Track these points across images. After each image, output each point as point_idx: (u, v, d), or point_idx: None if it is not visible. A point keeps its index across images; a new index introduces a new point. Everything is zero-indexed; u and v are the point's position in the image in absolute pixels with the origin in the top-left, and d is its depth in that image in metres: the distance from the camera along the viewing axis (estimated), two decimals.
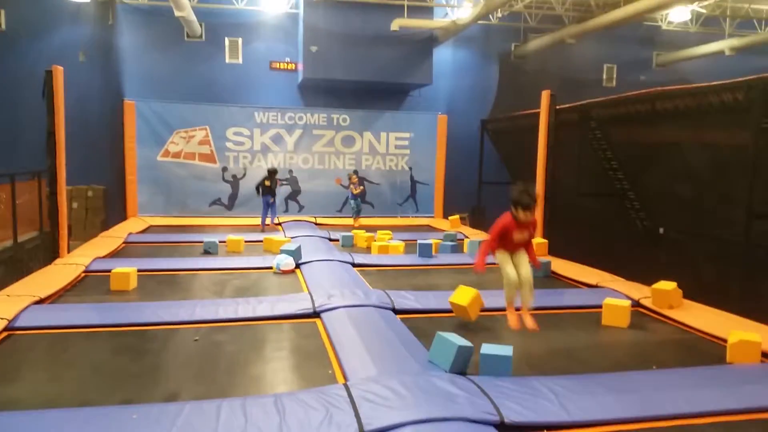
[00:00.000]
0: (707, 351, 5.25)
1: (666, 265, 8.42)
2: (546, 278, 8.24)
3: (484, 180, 14.71)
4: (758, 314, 5.88)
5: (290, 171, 14.04)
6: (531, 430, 3.62)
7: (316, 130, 14.05)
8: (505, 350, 4.53)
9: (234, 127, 13.66)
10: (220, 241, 9.76)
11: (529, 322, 5.27)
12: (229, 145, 13.69)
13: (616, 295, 6.71)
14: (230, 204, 13.80)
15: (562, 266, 8.58)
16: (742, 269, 7.29)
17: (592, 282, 7.59)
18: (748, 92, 7.24)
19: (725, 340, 5.09)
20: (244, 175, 13.81)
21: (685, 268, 8.04)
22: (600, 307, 6.12)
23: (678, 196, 9.33)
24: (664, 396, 4.03)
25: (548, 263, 8.50)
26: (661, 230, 9.77)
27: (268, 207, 12.11)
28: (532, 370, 4.65)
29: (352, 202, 12.87)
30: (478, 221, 14.18)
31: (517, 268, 5.19)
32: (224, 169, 13.73)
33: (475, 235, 11.20)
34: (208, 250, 9.46)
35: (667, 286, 6.45)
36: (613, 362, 4.93)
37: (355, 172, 13.38)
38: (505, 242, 5.11)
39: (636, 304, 6.55)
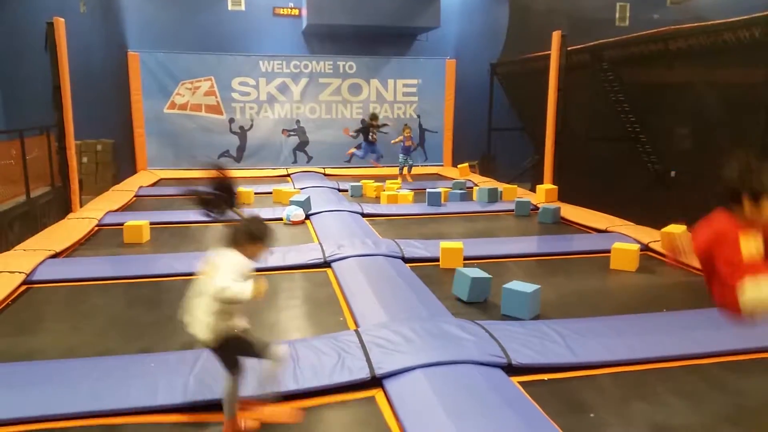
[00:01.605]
0: None
1: (677, 208, 8.35)
2: (555, 224, 8.26)
3: (493, 126, 14.51)
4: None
5: (297, 121, 13.93)
6: (538, 371, 3.70)
7: (322, 78, 13.84)
8: (530, 287, 4.68)
9: (239, 77, 13.47)
10: None
11: None
12: (234, 95, 13.54)
13: (625, 240, 6.72)
14: (238, 156, 13.77)
15: (571, 212, 8.56)
16: None
17: (602, 227, 7.59)
18: (766, 28, 7.01)
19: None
20: (251, 126, 13.72)
21: (697, 210, 7.99)
22: (609, 251, 6.15)
23: (690, 138, 9.19)
24: (671, 337, 4.09)
25: (557, 209, 8.49)
26: (673, 173, 9.67)
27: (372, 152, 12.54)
28: (542, 314, 4.71)
29: (401, 156, 12.11)
30: (488, 169, 14.08)
31: None
32: (231, 121, 13.64)
33: (484, 183, 11.15)
34: None
35: (677, 229, 6.43)
36: (621, 305, 4.98)
37: (406, 125, 12.73)
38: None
39: (645, 248, 6.56)
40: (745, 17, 7.27)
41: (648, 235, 6.90)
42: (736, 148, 7.84)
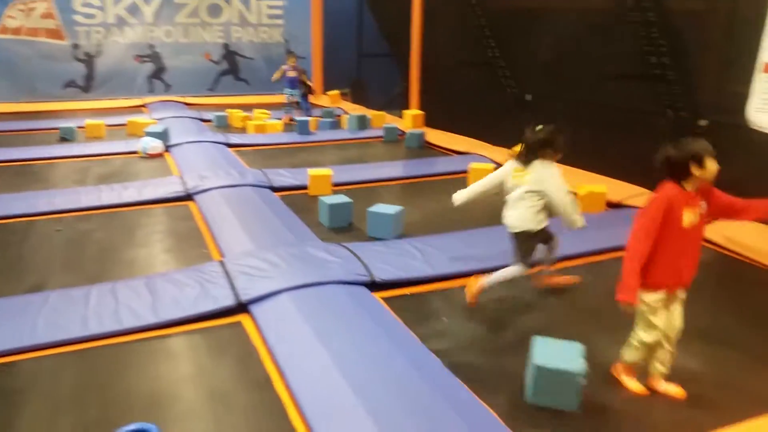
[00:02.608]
0: None
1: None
2: (421, 149, 8.51)
3: (363, 52, 14.33)
4: (607, 168, 6.48)
5: (151, 46, 12.87)
6: (399, 286, 3.88)
7: None
8: (393, 209, 4.84)
9: None
10: (77, 127, 8.99)
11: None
12: (77, 18, 12.16)
13: (482, 160, 7.10)
14: (87, 85, 12.55)
15: (436, 136, 8.85)
16: (595, 129, 7.88)
17: (462, 149, 7.93)
18: None
19: (576, 193, 5.59)
20: (99, 52, 12.49)
21: None
22: (467, 172, 6.46)
23: (543, 62, 9.69)
24: None
25: (422, 134, 8.72)
26: (528, 97, 10.22)
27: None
28: (405, 234, 4.90)
29: (287, 89, 10.45)
30: (359, 96, 14.00)
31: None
32: (75, 47, 12.30)
33: (355, 110, 11.13)
34: (65, 137, 8.71)
35: None
36: (477, 220, 5.27)
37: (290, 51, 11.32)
38: (668, 239, 2.61)
39: (499, 166, 6.95)
40: None
41: (502, 155, 7.31)
42: (581, 70, 8.42)
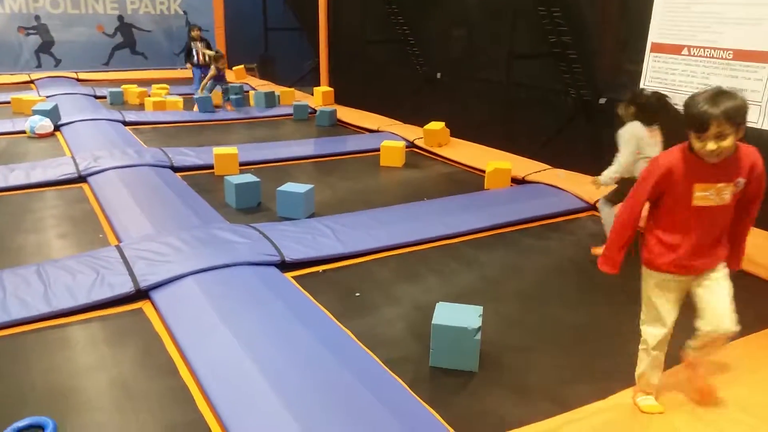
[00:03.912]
0: (470, 181, 5.89)
1: (441, 108, 9.01)
2: (332, 126, 8.41)
3: (270, 26, 13.90)
4: (512, 146, 6.68)
5: (37, 17, 11.85)
6: (311, 265, 3.83)
7: None
8: (303, 188, 4.74)
9: None
10: None
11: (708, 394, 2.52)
12: None
13: (394, 138, 7.12)
14: None
15: (347, 114, 8.77)
16: (502, 106, 8.10)
17: (374, 127, 7.91)
18: None
19: (484, 171, 5.74)
20: None
21: (458, 109, 8.70)
22: (379, 150, 6.45)
23: (453, 41, 9.82)
24: (427, 222, 4.49)
25: (334, 111, 8.62)
26: (438, 75, 10.34)
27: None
28: (317, 213, 4.83)
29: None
30: (267, 72, 13.61)
31: (699, 303, 2.30)
32: None
33: (262, 87, 10.80)
34: None
35: (437, 126, 6.98)
36: (389, 198, 5.31)
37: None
38: (672, 217, 2.24)
39: (410, 144, 7.02)
40: None
41: (414, 132, 7.37)
42: (490, 49, 8.61)
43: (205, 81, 9.15)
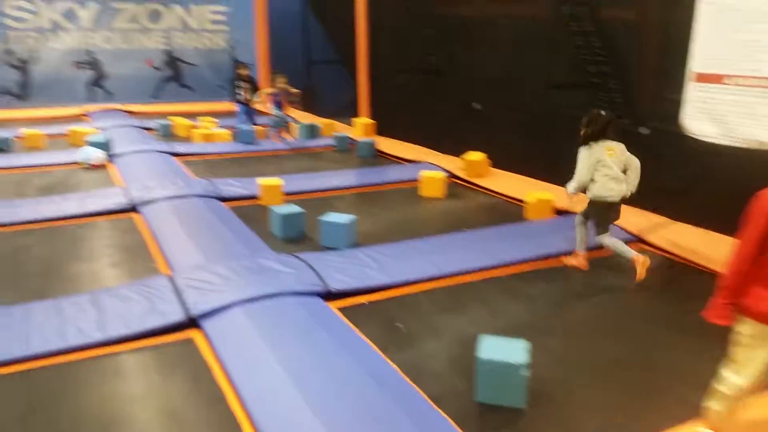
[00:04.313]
0: (511, 212, 5.88)
1: (479, 137, 9.04)
2: (372, 157, 8.53)
3: (312, 59, 14.25)
4: (553, 176, 6.64)
5: (90, 53, 12.44)
6: (355, 295, 3.87)
7: (116, 3, 12.42)
8: (346, 218, 4.80)
9: None
10: (15, 137, 8.60)
11: None
12: (8, 22, 11.66)
13: (434, 168, 7.16)
14: (23, 93, 12.03)
15: (386, 144, 8.89)
16: (541, 136, 8.08)
17: (413, 158, 7.99)
18: None
19: (525, 202, 5.72)
20: (35, 58, 11.99)
21: (496, 139, 8.73)
22: (419, 180, 6.51)
23: (490, 71, 9.89)
24: (470, 253, 4.49)
25: (373, 142, 8.75)
26: (476, 105, 10.41)
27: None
28: (359, 243, 4.89)
29: (275, 110, 9.32)
30: (309, 104, 13.90)
31: None
32: (8, 52, 11.78)
33: (306, 119, 11.05)
34: (1, 147, 8.31)
35: (476, 156, 7.02)
36: (430, 229, 5.34)
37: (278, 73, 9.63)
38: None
39: (450, 175, 7.06)
40: None
41: (453, 163, 7.41)
42: (527, 79, 8.63)
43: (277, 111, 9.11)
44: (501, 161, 7.27)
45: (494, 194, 6.49)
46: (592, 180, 4.20)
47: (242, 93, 9.74)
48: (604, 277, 4.34)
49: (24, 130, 8.88)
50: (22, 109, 11.80)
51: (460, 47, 10.33)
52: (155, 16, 12.82)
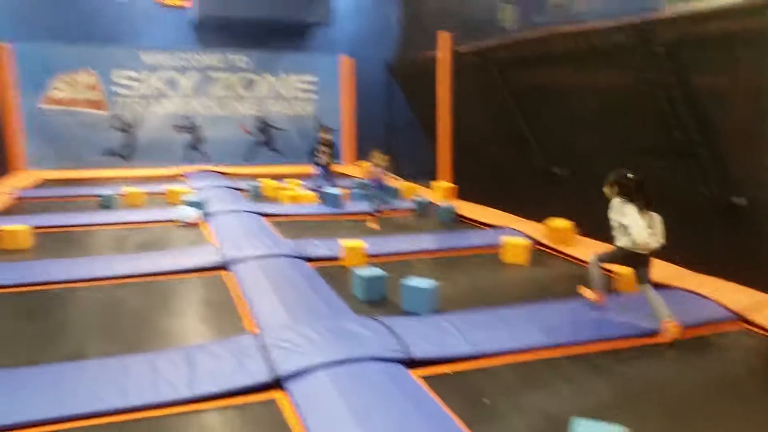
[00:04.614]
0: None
1: (562, 204, 8.89)
2: (453, 222, 8.53)
3: (393, 125, 14.68)
4: None
5: (189, 117, 13.40)
6: (438, 363, 3.80)
7: (214, 72, 13.41)
8: (428, 283, 4.77)
9: (120, 69, 12.76)
10: (117, 195, 9.28)
11: None
12: (117, 90, 12.81)
13: (516, 234, 7.07)
14: (127, 154, 13.04)
15: (467, 209, 8.89)
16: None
17: (495, 223, 7.93)
18: (630, 33, 7.52)
19: (614, 272, 5.51)
20: (139, 122, 13.03)
21: (578, 205, 8.54)
22: (501, 246, 6.43)
23: (574, 136, 9.80)
24: (557, 326, 4.34)
25: (454, 207, 8.78)
26: (558, 171, 10.28)
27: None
28: (440, 308, 4.84)
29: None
30: (389, 167, 14.23)
31: None
32: (116, 117, 12.88)
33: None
34: (105, 205, 8.97)
35: (562, 224, 6.87)
36: (513, 297, 5.22)
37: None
38: None
39: (534, 242, 6.93)
40: (614, 23, 7.78)
41: (536, 229, 7.29)
42: (609, 146, 8.47)
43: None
44: (586, 228, 7.08)
45: (581, 263, 6.29)
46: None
47: (322, 156, 9.94)
48: (700, 356, 4.07)
49: (126, 189, 9.57)
50: (125, 169, 12.78)
51: (543, 111, 10.34)
52: (250, 84, 13.71)
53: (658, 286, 5.29)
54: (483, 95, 11.08)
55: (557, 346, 4.09)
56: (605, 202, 8.50)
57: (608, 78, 8.38)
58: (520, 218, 8.12)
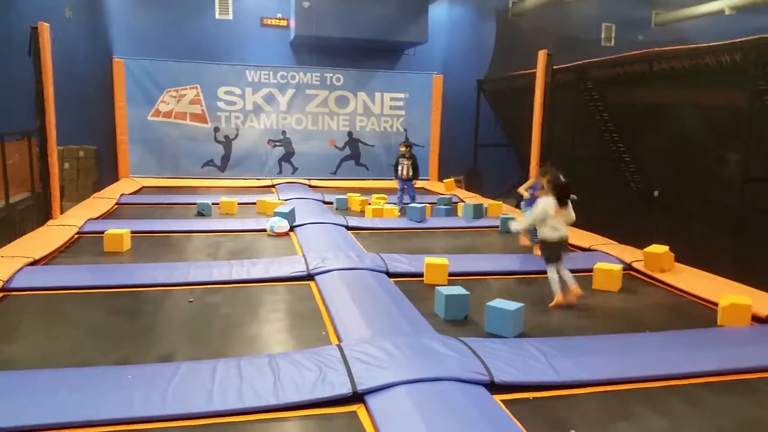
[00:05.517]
0: (698, 314, 5.31)
1: (659, 228, 8.43)
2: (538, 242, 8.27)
3: (480, 142, 14.59)
4: (749, 277, 5.93)
5: (283, 132, 13.89)
6: (520, 389, 3.68)
7: (309, 89, 13.84)
8: (513, 305, 4.68)
9: (225, 86, 13.43)
10: (213, 203, 9.73)
11: None
12: (220, 104, 13.49)
13: (609, 259, 6.75)
14: (223, 165, 13.69)
15: None
16: (734, 233, 7.31)
17: (586, 245, 7.62)
18: (746, 53, 7.13)
19: (716, 304, 5.14)
20: (237, 135, 13.66)
21: (679, 231, 8.07)
22: (592, 270, 6.16)
23: (673, 159, 9.30)
24: (652, 358, 4.10)
25: None
26: (656, 193, 9.77)
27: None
28: (524, 332, 4.70)
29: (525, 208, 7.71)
30: (473, 184, 14.14)
31: None
32: (216, 130, 13.56)
33: (470, 198, 11.19)
34: (202, 212, 9.43)
35: (659, 249, 6.49)
36: (603, 325, 4.99)
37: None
38: None
39: (628, 267, 6.59)
40: (727, 42, 7.40)
41: (631, 254, 6.94)
42: (716, 169, 7.97)
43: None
44: (685, 255, 6.66)
45: (679, 293, 5.91)
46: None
47: (402, 169, 9.90)
48: None
49: (221, 198, 10.02)
50: (221, 179, 13.40)
51: (639, 132, 9.90)
52: (343, 101, 14.05)
53: (763, 320, 4.93)
54: (578, 114, 10.77)
55: (649, 378, 3.86)
56: (705, 229, 8.01)
57: (719, 98, 7.93)
58: (612, 242, 7.75)
